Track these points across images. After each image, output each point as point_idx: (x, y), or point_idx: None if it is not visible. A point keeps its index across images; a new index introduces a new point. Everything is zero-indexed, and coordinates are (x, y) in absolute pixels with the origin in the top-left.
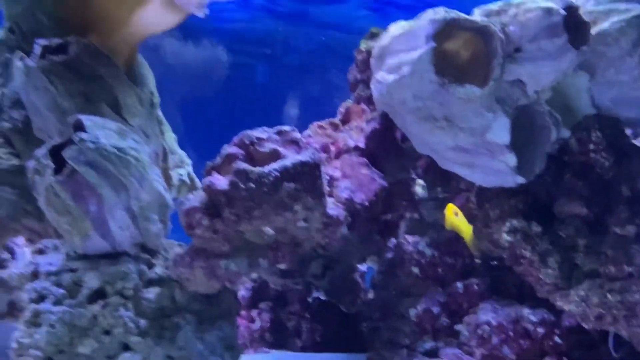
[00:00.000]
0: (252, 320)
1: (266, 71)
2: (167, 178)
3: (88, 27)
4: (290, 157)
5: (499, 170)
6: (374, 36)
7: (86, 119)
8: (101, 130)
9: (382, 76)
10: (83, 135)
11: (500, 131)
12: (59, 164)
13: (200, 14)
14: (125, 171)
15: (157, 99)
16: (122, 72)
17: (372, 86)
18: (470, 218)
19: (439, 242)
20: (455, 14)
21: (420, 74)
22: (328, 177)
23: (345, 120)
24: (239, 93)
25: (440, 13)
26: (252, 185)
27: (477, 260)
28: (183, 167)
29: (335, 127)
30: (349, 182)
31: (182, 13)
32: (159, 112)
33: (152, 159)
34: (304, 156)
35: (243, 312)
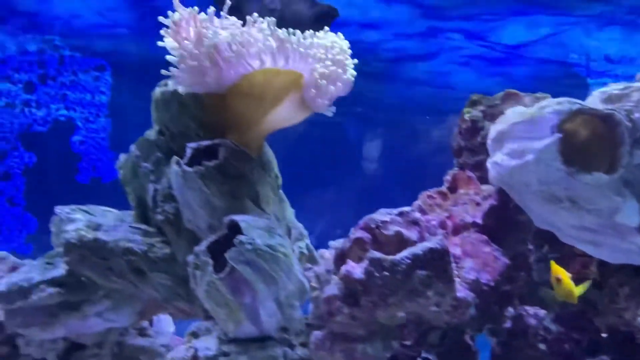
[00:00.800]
0: None
1: (356, 129)
2: None
3: (227, 127)
4: (420, 245)
5: (628, 250)
6: (475, 104)
7: (240, 220)
8: (254, 230)
9: (501, 159)
10: (242, 237)
11: (630, 214)
12: (214, 257)
13: (329, 113)
14: (276, 266)
15: (280, 180)
16: (258, 165)
17: (489, 166)
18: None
19: (564, 317)
20: (579, 104)
21: (547, 162)
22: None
23: (453, 188)
24: (329, 151)
25: (564, 104)
26: (386, 273)
27: (604, 335)
28: (302, 239)
29: (444, 196)
30: (473, 262)
31: (311, 111)
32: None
33: None
34: (432, 243)
35: None
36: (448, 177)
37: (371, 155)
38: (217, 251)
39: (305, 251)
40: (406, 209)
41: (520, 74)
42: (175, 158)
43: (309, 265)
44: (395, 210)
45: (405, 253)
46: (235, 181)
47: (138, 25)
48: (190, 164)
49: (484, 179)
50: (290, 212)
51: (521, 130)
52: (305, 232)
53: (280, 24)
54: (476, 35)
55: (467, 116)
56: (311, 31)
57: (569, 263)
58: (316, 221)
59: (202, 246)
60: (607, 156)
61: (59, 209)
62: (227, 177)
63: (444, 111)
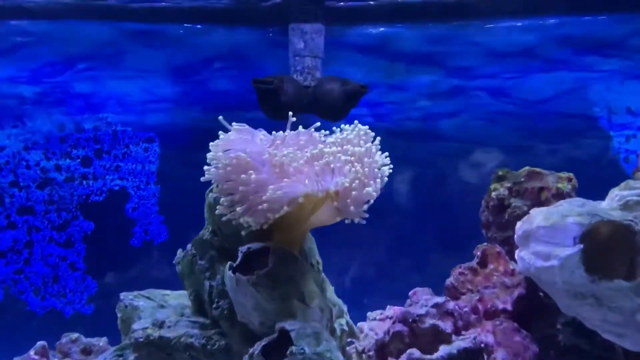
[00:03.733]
0: None
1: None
2: (333, 332)
3: (273, 227)
4: (456, 344)
5: None
6: (501, 179)
7: (291, 330)
8: (303, 339)
9: (528, 257)
10: (293, 348)
11: None
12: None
13: (362, 221)
14: None
15: (321, 265)
16: (303, 263)
17: (517, 257)
18: None
19: None
20: (599, 216)
21: (570, 269)
22: (483, 345)
23: (483, 263)
24: None
25: (585, 217)
26: None
27: None
28: (342, 316)
29: (474, 272)
30: (505, 352)
31: (344, 216)
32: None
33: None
34: (467, 343)
35: None
36: (478, 253)
37: (400, 206)
38: (269, 350)
39: (345, 327)
40: (439, 300)
41: (544, 128)
42: (229, 263)
43: (349, 339)
44: (431, 302)
45: (441, 352)
46: (284, 285)
47: (181, 99)
48: (241, 266)
49: (511, 253)
50: (330, 291)
51: (545, 235)
52: (344, 308)
53: (314, 100)
54: (500, 92)
55: (494, 194)
56: (343, 140)
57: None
58: (350, 266)
59: (257, 350)
60: (628, 253)
61: (123, 295)
62: (276, 282)
63: (471, 165)
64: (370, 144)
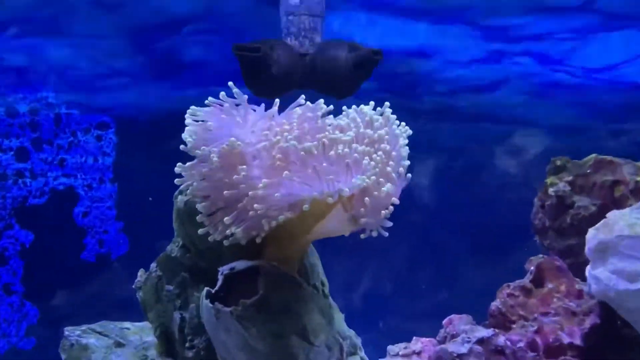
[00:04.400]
0: None
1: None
2: None
3: (264, 239)
4: None
5: None
6: (559, 170)
7: None
8: None
9: (606, 276)
10: None
11: None
12: None
13: (384, 232)
14: None
15: (327, 288)
16: (304, 287)
17: (589, 276)
18: None
19: None
20: None
21: None
22: None
23: (538, 281)
24: None
25: None
26: None
27: None
28: (355, 352)
29: (527, 292)
30: None
31: (360, 226)
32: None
33: None
34: None
35: None
36: (532, 267)
37: (423, 203)
38: None
39: None
40: (485, 333)
41: (608, 104)
42: (206, 289)
43: None
44: (474, 336)
45: None
46: (279, 317)
47: (143, 73)
48: (223, 293)
49: (576, 267)
50: (340, 320)
51: (630, 247)
52: (358, 342)
53: (313, 71)
54: (550, 59)
55: (551, 190)
56: (358, 124)
57: None
58: (361, 279)
59: None
60: None
61: (68, 331)
62: (269, 314)
63: (511, 151)
64: (394, 129)
